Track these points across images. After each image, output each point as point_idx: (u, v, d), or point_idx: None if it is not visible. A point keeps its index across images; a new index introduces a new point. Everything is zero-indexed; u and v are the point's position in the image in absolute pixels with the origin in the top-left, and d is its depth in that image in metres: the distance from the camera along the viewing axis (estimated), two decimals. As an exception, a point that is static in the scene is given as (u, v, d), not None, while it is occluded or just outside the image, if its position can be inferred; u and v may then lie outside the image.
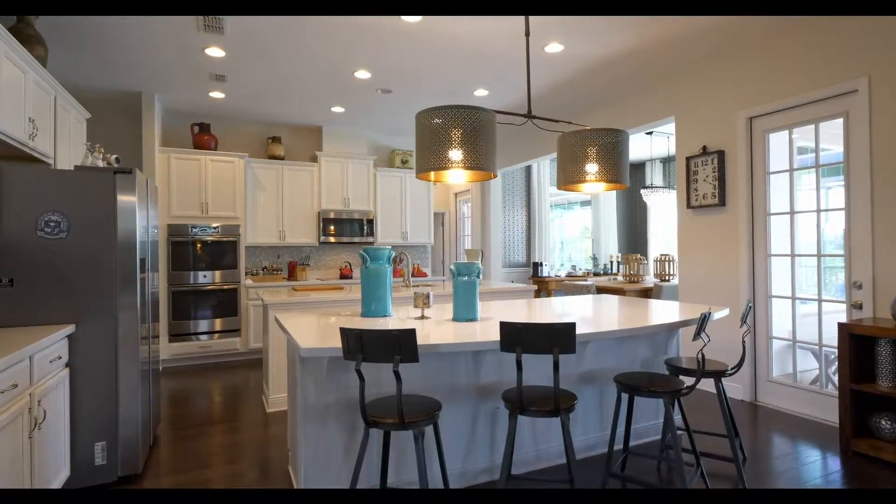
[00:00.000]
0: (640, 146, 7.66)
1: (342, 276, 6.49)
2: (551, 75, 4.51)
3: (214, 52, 3.93)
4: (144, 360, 2.84)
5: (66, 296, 2.47)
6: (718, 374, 2.58)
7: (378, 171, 6.62)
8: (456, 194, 8.81)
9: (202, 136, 5.64)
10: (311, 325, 2.43)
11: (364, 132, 6.59)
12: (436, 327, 2.33)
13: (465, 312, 2.48)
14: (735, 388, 3.98)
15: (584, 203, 9.11)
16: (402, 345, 1.77)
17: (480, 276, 2.54)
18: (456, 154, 2.41)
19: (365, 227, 6.47)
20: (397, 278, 6.54)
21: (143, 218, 2.83)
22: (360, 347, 1.80)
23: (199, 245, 5.40)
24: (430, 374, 2.45)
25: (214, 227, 5.47)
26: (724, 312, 2.86)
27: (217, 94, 5.04)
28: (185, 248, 5.34)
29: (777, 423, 3.46)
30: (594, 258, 8.62)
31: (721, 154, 4.02)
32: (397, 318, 2.61)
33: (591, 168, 2.81)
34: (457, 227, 8.88)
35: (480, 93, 4.94)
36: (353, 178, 6.46)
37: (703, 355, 2.26)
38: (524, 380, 2.69)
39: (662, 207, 8.58)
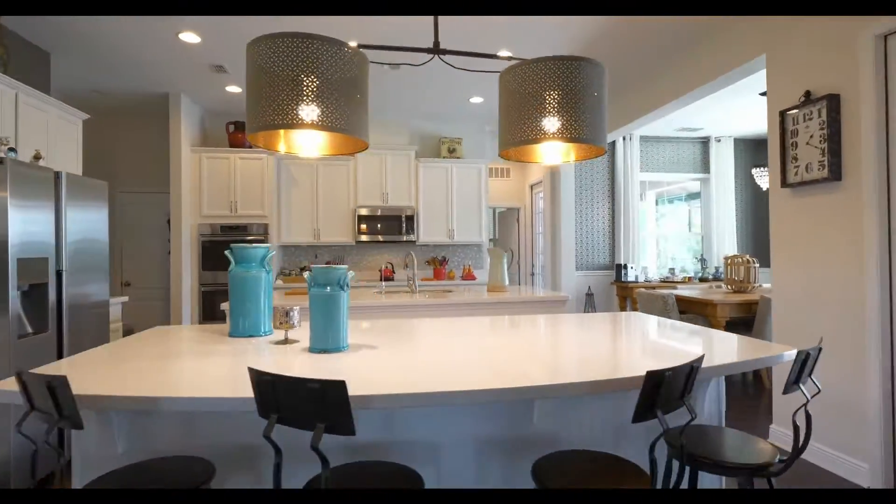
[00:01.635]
0: (759, 115, 5.88)
1: (385, 279, 5.97)
2: (594, 19, 3.42)
3: (189, 37, 3.64)
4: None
5: (-68, 300, 2.26)
6: (753, 471, 1.44)
7: (421, 162, 5.96)
8: (531, 186, 7.78)
9: (237, 135, 5.54)
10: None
11: (405, 120, 6.00)
12: (254, 363, 1.60)
13: (322, 340, 1.69)
14: (857, 469, 2.53)
15: (693, 196, 7.42)
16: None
17: (348, 287, 1.73)
18: (310, 112, 1.66)
19: (405, 225, 5.86)
20: (435, 281, 5.82)
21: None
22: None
23: (228, 244, 5.29)
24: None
25: (243, 226, 5.32)
26: (795, 353, 1.66)
27: (233, 89, 4.85)
28: (214, 248, 5.27)
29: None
30: (702, 260, 6.95)
31: (834, 100, 2.60)
32: (262, 341, 1.92)
33: (551, 124, 1.84)
34: (532, 224, 7.85)
35: (504, 53, 4.00)
36: (392, 172, 5.90)
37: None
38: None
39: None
